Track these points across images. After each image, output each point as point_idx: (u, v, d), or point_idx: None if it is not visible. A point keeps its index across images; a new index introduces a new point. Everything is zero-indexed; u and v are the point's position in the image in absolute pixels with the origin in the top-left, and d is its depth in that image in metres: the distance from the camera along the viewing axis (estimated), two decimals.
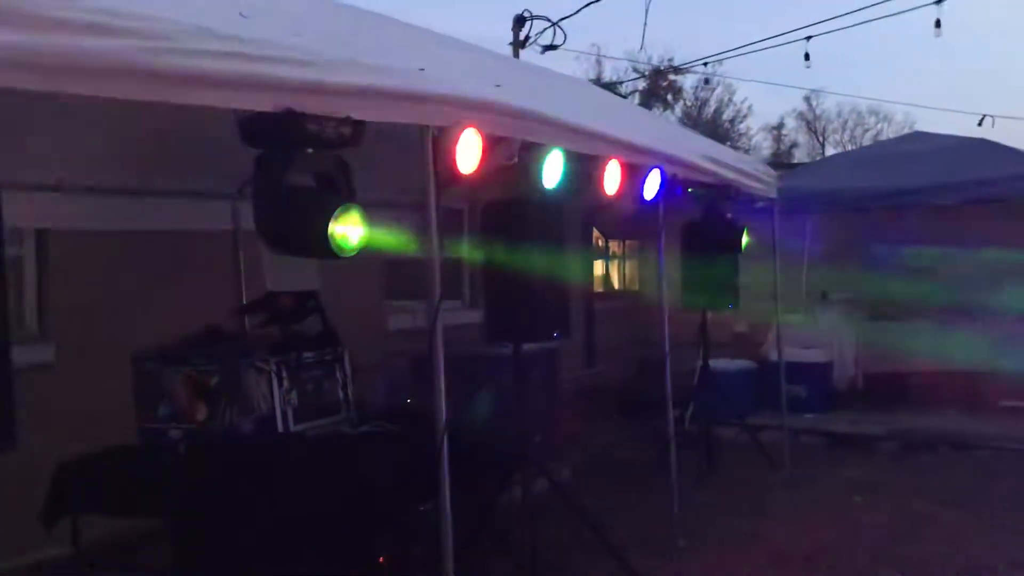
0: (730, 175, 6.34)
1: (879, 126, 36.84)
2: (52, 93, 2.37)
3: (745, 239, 7.12)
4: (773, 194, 7.41)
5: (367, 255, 3.38)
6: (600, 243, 12.57)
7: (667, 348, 5.71)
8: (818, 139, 37.96)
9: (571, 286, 4.96)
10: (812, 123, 37.92)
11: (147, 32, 2.47)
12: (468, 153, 3.63)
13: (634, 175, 5.15)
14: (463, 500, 4.14)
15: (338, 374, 5.08)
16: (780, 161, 26.97)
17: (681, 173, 5.66)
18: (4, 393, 2.53)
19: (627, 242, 12.85)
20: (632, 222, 9.72)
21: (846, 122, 37.81)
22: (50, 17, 2.27)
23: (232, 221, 5.70)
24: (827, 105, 36.71)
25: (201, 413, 4.26)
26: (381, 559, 4.93)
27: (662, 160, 5.36)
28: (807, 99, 35.75)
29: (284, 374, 4.63)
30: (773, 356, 8.06)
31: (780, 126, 36.98)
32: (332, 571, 4.70)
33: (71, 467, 4.12)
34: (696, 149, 6.14)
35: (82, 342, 5.46)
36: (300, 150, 3.02)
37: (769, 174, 7.37)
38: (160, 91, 2.53)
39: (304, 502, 4.31)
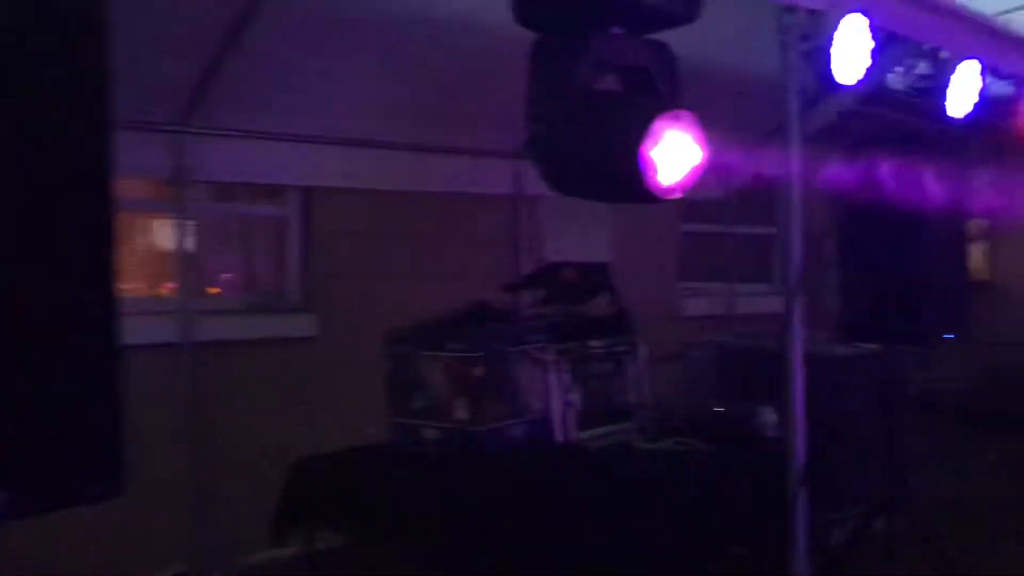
0: None
1: None
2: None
3: None
4: None
5: (664, 221, 2.36)
6: None
7: None
8: None
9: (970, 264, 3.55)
10: None
11: None
12: (852, 54, 2.39)
13: None
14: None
15: (631, 369, 4.04)
16: None
17: None
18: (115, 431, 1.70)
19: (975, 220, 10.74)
20: None
21: None
22: None
23: (512, 184, 5.35)
24: None
25: (461, 411, 3.38)
26: None
27: None
28: None
29: (566, 367, 3.66)
30: None
31: None
32: None
33: (306, 469, 3.38)
34: None
35: (346, 314, 5.11)
36: (599, 32, 1.92)
37: None
38: None
39: (588, 538, 3.31)
